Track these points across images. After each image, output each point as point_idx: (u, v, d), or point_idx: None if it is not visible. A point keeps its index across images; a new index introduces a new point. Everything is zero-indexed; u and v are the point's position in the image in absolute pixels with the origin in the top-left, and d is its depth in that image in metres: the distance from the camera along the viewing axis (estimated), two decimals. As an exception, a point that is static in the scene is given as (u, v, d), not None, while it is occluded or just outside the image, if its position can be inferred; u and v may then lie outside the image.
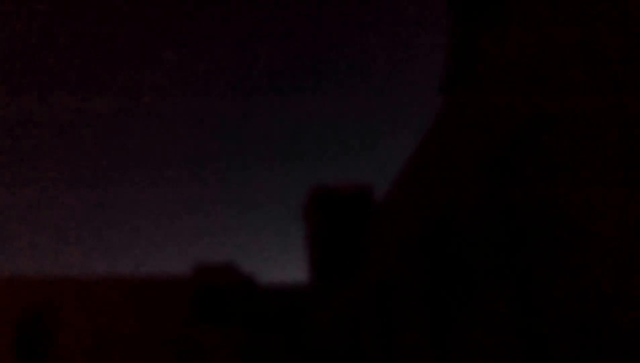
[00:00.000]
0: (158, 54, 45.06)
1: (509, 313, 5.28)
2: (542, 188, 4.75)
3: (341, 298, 14.75)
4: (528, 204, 5.02)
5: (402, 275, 8.51)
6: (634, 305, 3.51)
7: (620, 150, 3.62)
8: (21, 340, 9.64)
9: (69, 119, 41.83)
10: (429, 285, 7.53)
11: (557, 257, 4.51)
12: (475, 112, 5.91)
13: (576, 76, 4.09)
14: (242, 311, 18.78)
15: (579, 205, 4.09)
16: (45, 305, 16.23)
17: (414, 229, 7.97)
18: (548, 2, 4.51)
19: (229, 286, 18.74)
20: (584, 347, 4.09)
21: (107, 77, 43.21)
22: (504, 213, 5.51)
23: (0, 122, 39.19)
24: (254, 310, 19.05)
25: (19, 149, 41.82)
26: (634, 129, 3.52)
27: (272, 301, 19.38)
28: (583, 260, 4.05)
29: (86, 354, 16.80)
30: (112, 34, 42.08)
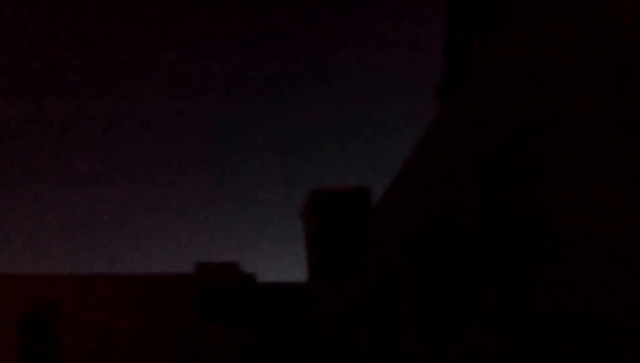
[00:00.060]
0: (159, 54, 45.09)
1: (505, 313, 5.27)
2: (537, 190, 4.74)
3: (339, 298, 14.78)
4: (524, 206, 5.02)
5: (399, 276, 8.52)
6: (630, 306, 3.50)
7: (616, 151, 3.62)
8: (24, 338, 9.66)
9: (70, 118, 41.83)
10: (426, 286, 7.54)
11: (553, 258, 4.49)
12: (471, 116, 5.91)
13: (572, 79, 4.09)
14: (243, 310, 18.79)
15: (574, 207, 4.08)
16: (47, 303, 16.23)
17: (412, 230, 7.99)
18: (543, 9, 4.51)
19: (230, 286, 18.76)
20: (580, 348, 4.07)
21: (109, 77, 43.22)
22: (500, 215, 5.50)
23: (2, 122, 39.21)
24: (254, 310, 19.06)
25: (20, 149, 41.82)
26: (630, 131, 3.53)
27: (272, 300, 19.40)
28: (580, 261, 4.04)
29: (88, 351, 16.80)
30: (114, 34, 42.11)
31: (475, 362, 5.84)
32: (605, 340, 3.81)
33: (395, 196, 9.16)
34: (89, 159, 44.16)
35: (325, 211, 21.71)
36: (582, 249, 4.05)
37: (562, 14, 4.30)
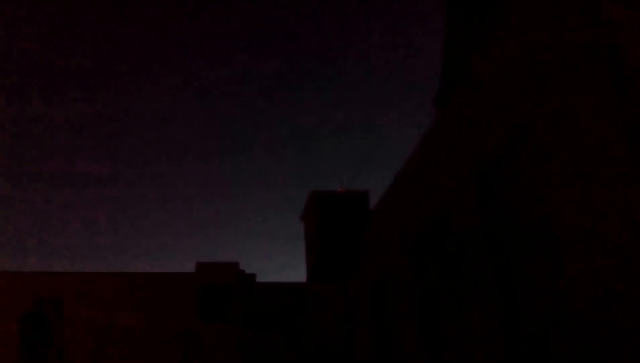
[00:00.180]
0: (162, 55, 45.13)
1: (504, 313, 5.28)
2: (536, 190, 4.75)
3: (339, 298, 14.88)
4: (522, 207, 5.04)
5: (399, 276, 8.58)
6: (629, 306, 3.50)
7: (616, 151, 3.63)
8: (25, 334, 9.76)
9: (72, 118, 41.87)
10: (425, 286, 7.60)
11: (552, 258, 4.51)
12: (471, 116, 5.91)
13: (568, 82, 4.10)
14: (243, 309, 18.89)
15: (573, 207, 4.08)
16: (50, 300, 16.33)
17: (411, 230, 8.04)
18: (543, 11, 4.57)
19: (230, 285, 18.86)
20: (579, 348, 4.06)
21: (110, 77, 43.24)
22: (498, 215, 5.52)
23: (6, 121, 39.24)
24: (254, 309, 19.15)
25: (23, 148, 41.83)
26: (630, 131, 3.55)
27: (272, 300, 19.50)
28: (578, 262, 4.03)
29: (89, 349, 16.89)
30: (119, 35, 42.14)
31: (472, 361, 5.86)
32: (604, 340, 3.79)
33: (395, 197, 9.22)
34: (91, 159, 44.16)
35: (325, 212, 21.86)
36: (581, 249, 4.05)
37: (561, 15, 4.32)
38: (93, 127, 43.61)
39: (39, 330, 9.81)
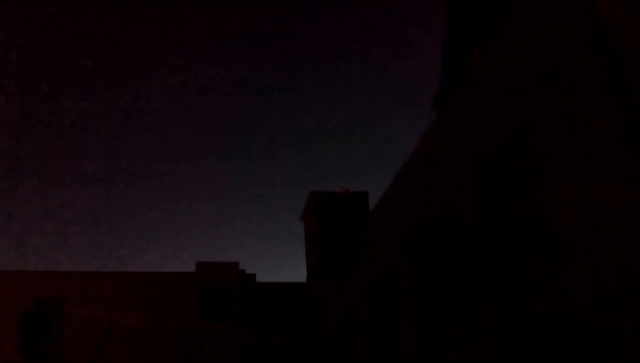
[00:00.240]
0: (164, 55, 45.15)
1: (503, 314, 5.30)
2: (535, 190, 4.75)
3: (339, 298, 14.91)
4: (521, 207, 5.04)
5: (398, 276, 8.60)
6: (629, 306, 3.50)
7: (616, 151, 3.63)
8: (25, 334, 9.77)
9: (74, 118, 41.88)
10: (424, 286, 7.61)
11: (551, 258, 4.51)
12: (470, 117, 5.93)
13: (568, 82, 4.10)
14: (243, 309, 18.90)
15: (572, 207, 4.08)
16: (51, 299, 16.34)
17: (410, 231, 8.06)
18: (540, 17, 4.57)
19: (230, 285, 18.87)
20: (578, 348, 4.06)
21: (111, 77, 43.27)
22: (497, 216, 5.54)
23: (6, 121, 39.27)
24: (254, 309, 19.16)
25: (25, 146, 41.86)
26: (629, 131, 3.55)
27: (272, 300, 19.51)
28: (578, 262, 4.03)
29: (89, 348, 16.90)
30: (121, 35, 42.16)
31: (474, 362, 5.86)
32: (604, 340, 3.79)
33: (395, 197, 9.24)
34: (92, 159, 44.18)
35: (325, 212, 21.91)
36: (581, 249, 4.05)
37: (561, 15, 4.31)
38: (93, 127, 43.62)
39: (39, 330, 9.81)
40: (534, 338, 4.93)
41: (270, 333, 18.84)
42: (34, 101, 40.27)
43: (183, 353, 17.68)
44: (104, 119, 43.28)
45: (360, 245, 12.49)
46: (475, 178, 5.94)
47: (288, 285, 20.17)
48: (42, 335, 9.83)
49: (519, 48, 5.02)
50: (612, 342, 3.72)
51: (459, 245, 6.34)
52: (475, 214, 5.90)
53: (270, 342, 18.64)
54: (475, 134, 5.91)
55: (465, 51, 7.59)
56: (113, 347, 17.22)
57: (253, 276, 20.31)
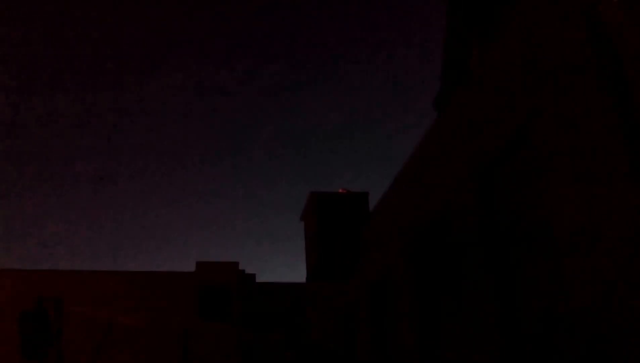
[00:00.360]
0: (163, 55, 45.18)
1: (503, 313, 5.28)
2: (535, 191, 4.75)
3: (338, 298, 14.91)
4: (521, 207, 5.04)
5: (398, 276, 8.61)
6: (629, 306, 3.50)
7: (616, 151, 3.62)
8: (25, 333, 9.78)
9: (74, 117, 41.91)
10: (424, 286, 7.62)
11: (551, 259, 4.50)
12: (470, 117, 5.94)
13: (568, 82, 4.09)
14: (242, 309, 18.91)
15: (572, 207, 4.08)
16: (51, 299, 16.34)
17: (410, 231, 8.07)
18: (540, 17, 4.57)
19: (230, 285, 18.88)
20: (577, 348, 4.05)
21: (112, 77, 43.30)
22: (497, 216, 5.56)
23: (6, 120, 39.32)
24: (254, 309, 19.18)
25: (25, 146, 41.89)
26: (629, 130, 3.55)
27: (272, 300, 19.53)
28: (577, 262, 4.03)
29: (89, 347, 16.91)
30: (120, 33, 42.18)
31: (469, 360, 5.87)
32: (604, 340, 3.79)
33: (395, 197, 9.25)
34: (92, 158, 44.20)
35: (325, 212, 21.92)
36: (581, 249, 4.05)
37: (561, 15, 4.31)
38: (93, 127, 43.65)
39: (39, 329, 9.82)
40: (533, 338, 4.93)
41: (270, 333, 18.84)
42: (34, 101, 40.30)
43: (183, 353, 17.68)
44: (104, 119, 43.30)
45: (360, 245, 12.49)
46: (475, 177, 5.94)
47: (288, 285, 20.18)
48: (42, 335, 9.84)
49: (519, 48, 5.03)
50: (612, 342, 3.72)
51: (459, 245, 6.35)
52: (475, 214, 5.91)
53: (270, 342, 18.65)
54: (475, 134, 5.92)
55: (465, 51, 7.59)
56: (113, 346, 17.23)
57: (253, 276, 20.31)
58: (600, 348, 3.84)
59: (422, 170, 7.84)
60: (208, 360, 17.80)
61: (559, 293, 4.50)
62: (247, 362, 18.25)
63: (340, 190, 21.61)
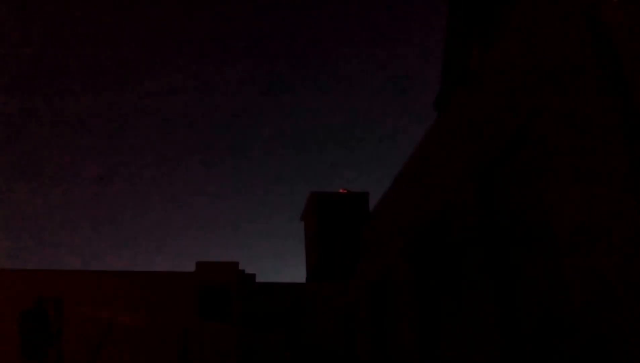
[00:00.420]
0: (164, 54, 45.20)
1: (502, 313, 5.28)
2: (534, 191, 4.74)
3: (339, 298, 14.93)
4: (520, 207, 5.04)
5: (398, 276, 8.62)
6: (629, 307, 3.50)
7: (613, 152, 3.61)
8: (25, 333, 9.78)
9: (75, 117, 41.92)
10: (424, 286, 7.63)
11: (550, 259, 4.49)
12: (469, 118, 5.95)
13: (569, 82, 4.09)
14: (242, 309, 18.91)
15: (572, 207, 4.07)
16: (51, 299, 16.34)
17: (410, 231, 8.08)
18: (540, 17, 4.57)
19: (230, 285, 18.88)
20: (575, 347, 4.05)
21: (113, 76, 43.32)
22: (496, 216, 5.57)
23: (8, 120, 39.33)
24: (254, 309, 19.18)
25: (25, 145, 41.92)
26: (629, 130, 3.55)
27: (272, 300, 19.53)
28: (577, 263, 4.02)
29: (89, 347, 16.91)
30: (122, 33, 42.20)
31: (472, 362, 5.87)
32: (604, 340, 3.79)
33: (395, 197, 9.26)
34: (92, 158, 44.21)
35: (325, 212, 21.92)
36: (581, 249, 4.04)
37: (561, 15, 4.31)
38: (93, 127, 43.66)
39: (39, 329, 9.82)
40: (533, 338, 4.93)
41: (270, 333, 18.85)
42: (34, 101, 40.30)
43: (183, 353, 17.69)
44: (104, 119, 43.30)
45: (360, 245, 12.49)
46: (475, 177, 5.95)
47: (288, 285, 20.18)
48: (42, 335, 9.84)
49: (519, 48, 5.04)
50: (612, 342, 3.72)
51: (459, 245, 6.36)
52: (475, 214, 5.92)
53: (270, 341, 18.65)
54: (476, 134, 5.92)
55: (466, 51, 7.60)
56: (113, 346, 17.23)
57: (253, 276, 20.31)
58: (600, 348, 3.84)
59: (422, 170, 7.84)
60: (208, 360, 17.80)
61: (559, 293, 4.50)
62: (246, 362, 18.25)
63: (340, 190, 21.58)
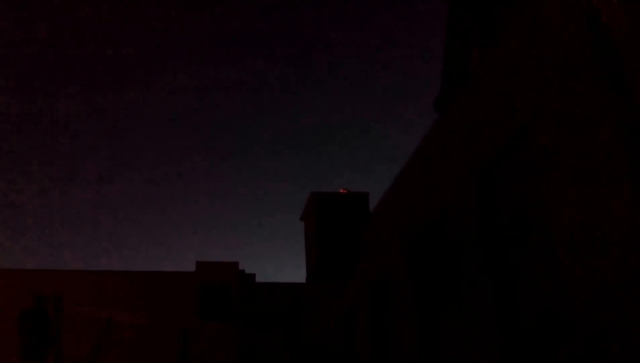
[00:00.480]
0: (166, 55, 45.22)
1: (502, 314, 5.28)
2: (534, 191, 4.74)
3: (338, 298, 14.92)
4: (520, 208, 5.04)
5: (397, 276, 8.62)
6: (629, 307, 3.50)
7: (613, 152, 3.62)
8: (24, 333, 9.76)
9: (73, 117, 41.93)
10: (423, 286, 7.63)
11: (549, 259, 4.49)
12: (469, 118, 5.97)
13: (569, 83, 4.09)
14: (242, 309, 18.91)
15: (572, 208, 4.08)
16: (50, 298, 16.35)
17: (409, 231, 8.08)
18: (540, 17, 4.58)
19: (230, 285, 18.88)
20: (575, 347, 4.05)
21: (113, 75, 43.33)
22: (495, 216, 5.59)
23: (9, 120, 39.35)
24: (254, 309, 19.17)
25: (26, 145, 41.94)
26: (629, 130, 3.55)
27: (271, 299, 19.52)
28: (577, 263, 4.03)
29: (89, 346, 16.90)
30: (124, 34, 42.23)
31: (472, 362, 5.88)
32: (604, 340, 3.79)
33: (395, 197, 9.26)
34: (93, 157, 44.23)
35: (325, 213, 21.90)
36: (580, 249, 4.05)
37: (562, 15, 4.32)
38: (93, 127, 43.67)
39: (39, 329, 9.81)
40: (533, 338, 4.93)
41: (270, 333, 18.84)
42: (35, 101, 40.31)
43: (183, 352, 17.68)
44: (104, 119, 43.30)
45: (360, 245, 12.49)
46: (474, 178, 5.96)
47: (288, 285, 20.18)
48: (41, 334, 9.82)
49: (519, 48, 5.04)
50: (612, 342, 3.72)
51: (458, 245, 6.36)
52: (474, 215, 5.92)
53: (270, 341, 18.64)
54: (476, 134, 5.93)
55: (465, 52, 7.59)
56: (113, 346, 17.23)
57: (253, 276, 20.31)
58: (600, 348, 3.84)
59: (422, 170, 7.85)
60: (208, 360, 17.79)
61: (559, 293, 4.51)
62: (246, 361, 18.25)
63: (341, 190, 21.57)
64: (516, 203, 5.29)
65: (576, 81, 4.12)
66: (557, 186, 4.38)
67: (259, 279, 21.39)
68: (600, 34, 3.88)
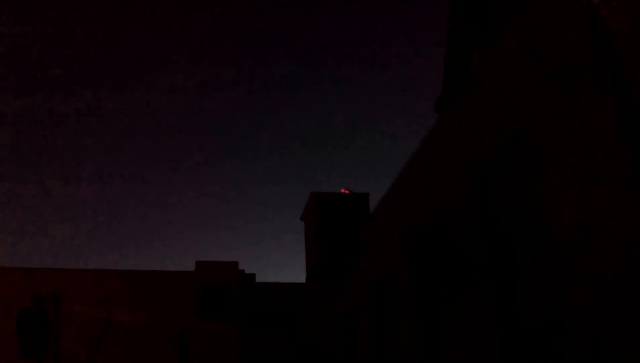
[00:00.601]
0: (167, 54, 45.23)
1: (502, 314, 5.29)
2: (533, 192, 4.74)
3: (338, 298, 14.93)
4: (519, 208, 5.05)
5: (397, 276, 8.62)
6: (629, 307, 3.50)
7: (613, 152, 3.62)
8: (24, 331, 9.77)
9: (73, 116, 41.94)
10: (423, 286, 7.63)
11: (549, 260, 4.49)
12: (469, 119, 5.97)
13: (569, 83, 4.10)
14: (242, 309, 18.92)
15: (571, 208, 4.08)
16: (49, 296, 16.34)
17: (409, 231, 8.08)
18: (540, 18, 4.59)
19: (230, 284, 18.88)
20: (575, 348, 4.05)
21: (113, 75, 43.35)
22: (496, 216, 5.56)
23: (9, 119, 39.35)
24: (253, 308, 19.18)
25: (26, 144, 41.94)
26: (629, 130, 3.56)
27: (271, 299, 19.53)
28: (576, 263, 4.03)
29: (87, 345, 16.90)
30: (125, 33, 42.23)
31: (472, 362, 5.88)
32: (604, 340, 3.79)
33: (395, 197, 9.26)
34: (93, 157, 44.24)
35: (325, 213, 21.93)
36: (580, 250, 4.05)
37: (562, 16, 4.32)
38: (94, 126, 43.67)
39: (38, 328, 9.82)
40: (533, 338, 4.93)
41: (270, 333, 18.85)
42: (35, 100, 40.32)
43: (182, 352, 17.68)
44: (104, 119, 43.32)
45: (360, 245, 12.49)
46: (475, 178, 5.96)
47: (287, 285, 20.18)
48: (40, 332, 9.83)
49: (519, 48, 5.04)
50: (612, 342, 3.72)
51: (459, 245, 6.36)
52: (474, 215, 5.92)
53: (270, 341, 18.65)
54: (476, 134, 5.93)
55: (466, 52, 7.60)
56: (112, 344, 17.22)
57: (253, 276, 20.31)
58: (600, 348, 3.84)
59: (422, 170, 7.85)
60: (207, 360, 17.80)
61: (559, 293, 4.51)
62: (246, 361, 18.25)
63: (342, 190, 21.60)
64: (516, 203, 5.29)
65: (576, 81, 4.13)
66: (558, 186, 4.38)
67: (259, 279, 21.38)
68: (600, 34, 3.88)
